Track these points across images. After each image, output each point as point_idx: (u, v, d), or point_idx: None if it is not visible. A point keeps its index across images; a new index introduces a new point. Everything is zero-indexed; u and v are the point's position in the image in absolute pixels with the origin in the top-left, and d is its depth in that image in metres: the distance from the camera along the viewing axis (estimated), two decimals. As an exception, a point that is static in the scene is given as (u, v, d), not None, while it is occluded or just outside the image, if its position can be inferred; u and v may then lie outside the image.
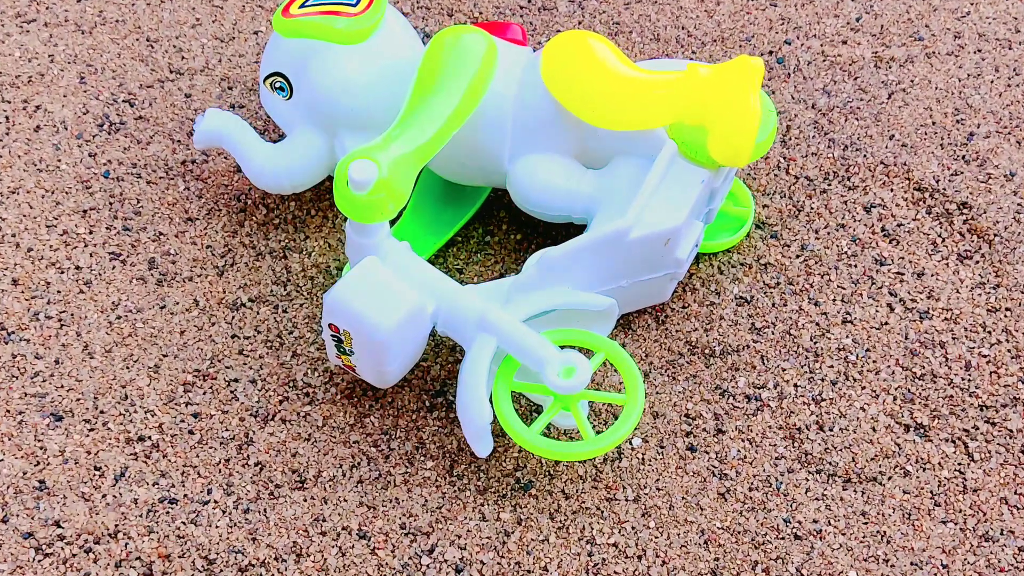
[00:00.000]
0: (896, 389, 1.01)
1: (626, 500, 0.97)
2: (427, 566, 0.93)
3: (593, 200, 1.03)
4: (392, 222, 1.05)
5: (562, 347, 0.94)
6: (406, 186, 0.93)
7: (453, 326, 0.97)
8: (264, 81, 1.08)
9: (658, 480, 0.97)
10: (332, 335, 0.95)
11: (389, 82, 1.04)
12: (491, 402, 0.94)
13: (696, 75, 0.98)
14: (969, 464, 0.97)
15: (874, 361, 1.03)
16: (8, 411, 1.01)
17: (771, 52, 1.26)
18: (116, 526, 0.95)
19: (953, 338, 1.04)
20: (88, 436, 1.00)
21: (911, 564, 0.92)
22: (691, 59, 1.26)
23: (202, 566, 0.93)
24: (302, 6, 1.05)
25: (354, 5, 1.04)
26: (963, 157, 1.16)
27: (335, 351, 0.97)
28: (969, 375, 1.02)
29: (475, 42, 1.01)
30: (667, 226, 0.98)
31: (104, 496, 0.97)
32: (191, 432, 1.00)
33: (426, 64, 1.01)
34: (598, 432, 0.98)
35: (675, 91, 0.98)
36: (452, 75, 0.98)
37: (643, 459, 0.99)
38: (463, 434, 0.99)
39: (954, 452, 0.98)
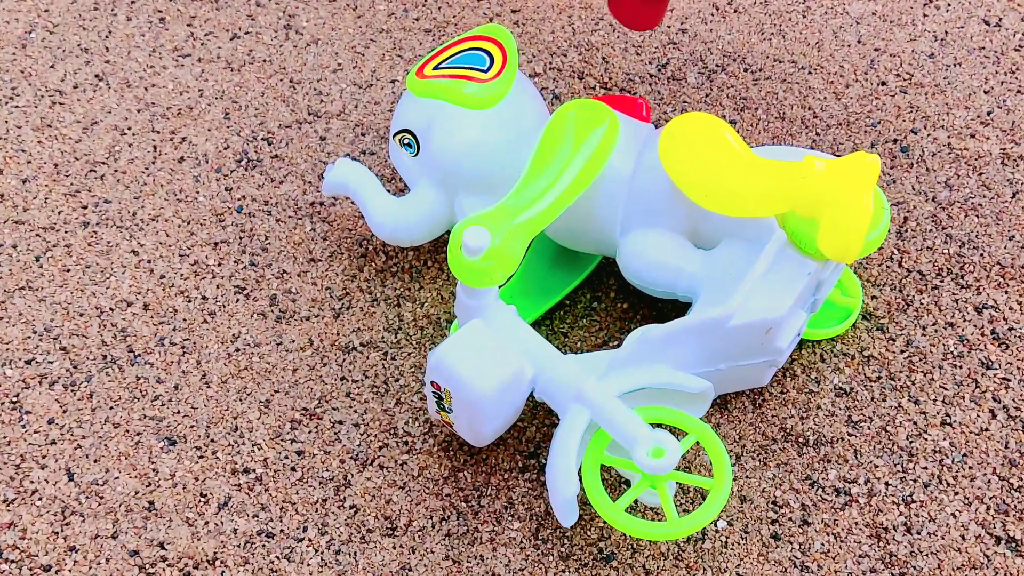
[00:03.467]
0: (991, 499, 1.00)
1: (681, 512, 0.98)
2: (504, 626, 0.96)
3: (698, 280, 1.04)
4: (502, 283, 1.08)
5: (654, 426, 0.95)
6: (517, 255, 0.96)
7: (550, 393, 0.99)
8: (394, 136, 1.12)
9: (739, 565, 0.98)
10: (433, 391, 0.99)
11: (512, 149, 1.07)
12: (579, 473, 0.96)
13: (812, 168, 0.98)
14: (1058, 584, 0.96)
15: (970, 467, 1.02)
16: (127, 431, 1.07)
17: (896, 140, 1.26)
18: (215, 553, 1.00)
19: (1055, 452, 1.03)
20: (197, 463, 1.05)
21: None
22: (814, 142, 1.26)
23: (291, 601, 0.97)
24: (436, 67, 1.10)
25: (486, 71, 1.08)
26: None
27: (435, 406, 1.00)
28: (1067, 492, 1.00)
29: (597, 118, 1.03)
30: (770, 315, 0.99)
31: (207, 523, 1.02)
32: (293, 469, 1.05)
33: (548, 135, 1.03)
34: (684, 512, 0.99)
35: (790, 182, 0.99)
36: (571, 149, 1.01)
37: (726, 543, 1.00)
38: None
39: (1044, 570, 0.96)
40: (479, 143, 1.08)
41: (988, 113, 1.28)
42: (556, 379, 0.98)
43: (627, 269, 1.07)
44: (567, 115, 1.04)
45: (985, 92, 1.29)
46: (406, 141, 1.11)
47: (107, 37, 1.41)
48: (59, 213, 1.22)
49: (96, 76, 1.36)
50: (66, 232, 1.21)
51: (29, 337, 1.13)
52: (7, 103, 1.33)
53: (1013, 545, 0.98)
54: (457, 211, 1.11)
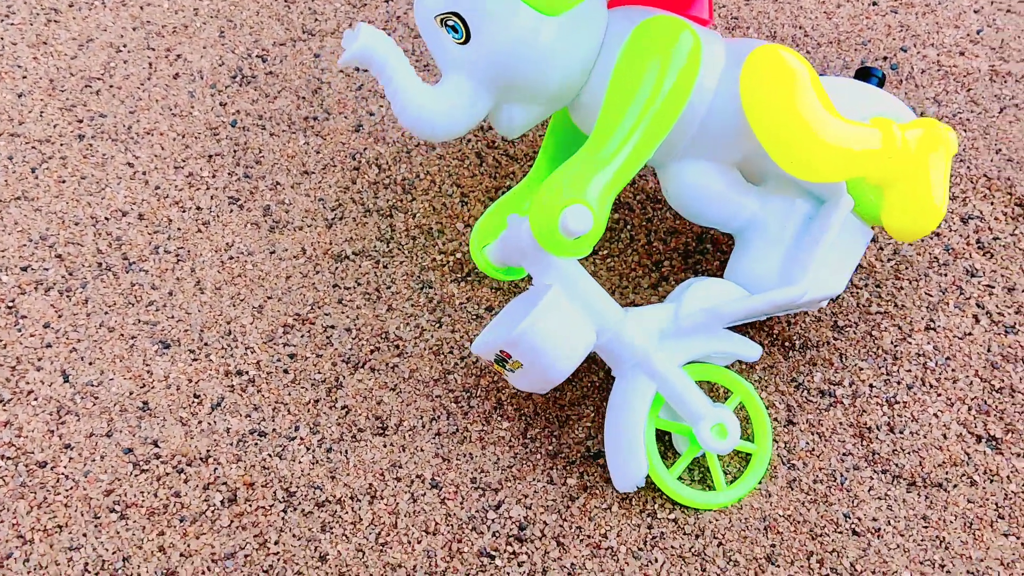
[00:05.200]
0: (972, 400, 1.02)
1: (692, 481, 0.99)
2: (492, 520, 0.97)
3: (753, 222, 1.00)
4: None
5: (698, 382, 0.99)
6: (606, 219, 0.91)
7: (610, 352, 0.97)
8: (436, 16, 0.95)
9: (727, 463, 1.00)
10: (499, 355, 0.95)
11: (572, 65, 0.96)
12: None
13: (893, 139, 0.93)
14: (1037, 480, 0.97)
15: (953, 370, 1.04)
16: (122, 335, 1.08)
17: (886, 58, 1.26)
18: (208, 451, 1.01)
19: (1037, 355, 1.04)
20: (191, 365, 1.06)
21: (967, 572, 0.93)
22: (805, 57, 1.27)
23: (282, 497, 0.99)
24: None
25: None
26: (1070, 177, 1.16)
27: (491, 358, 0.97)
28: (1048, 393, 1.02)
29: (683, 43, 0.92)
30: (835, 291, 0.98)
31: (200, 423, 1.03)
32: (286, 371, 1.06)
33: (624, 64, 0.93)
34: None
35: (870, 154, 0.92)
36: (653, 84, 0.91)
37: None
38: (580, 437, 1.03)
39: None
40: (540, 49, 0.94)
41: (978, 32, 1.28)
42: (619, 341, 0.96)
43: (680, 198, 1.01)
44: (644, 40, 0.93)
45: (975, 12, 1.30)
46: (451, 23, 0.94)
47: (102, -43, 1.41)
48: (54, 126, 1.23)
49: (91, -5, 1.37)
50: (62, 145, 1.22)
51: (25, 245, 1.14)
52: (2, 20, 1.33)
53: (993, 443, 0.99)
54: (495, 117, 1.00)
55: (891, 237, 1.08)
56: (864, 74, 1.07)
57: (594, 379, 1.05)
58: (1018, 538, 0.94)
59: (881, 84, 1.06)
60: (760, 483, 0.98)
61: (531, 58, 0.94)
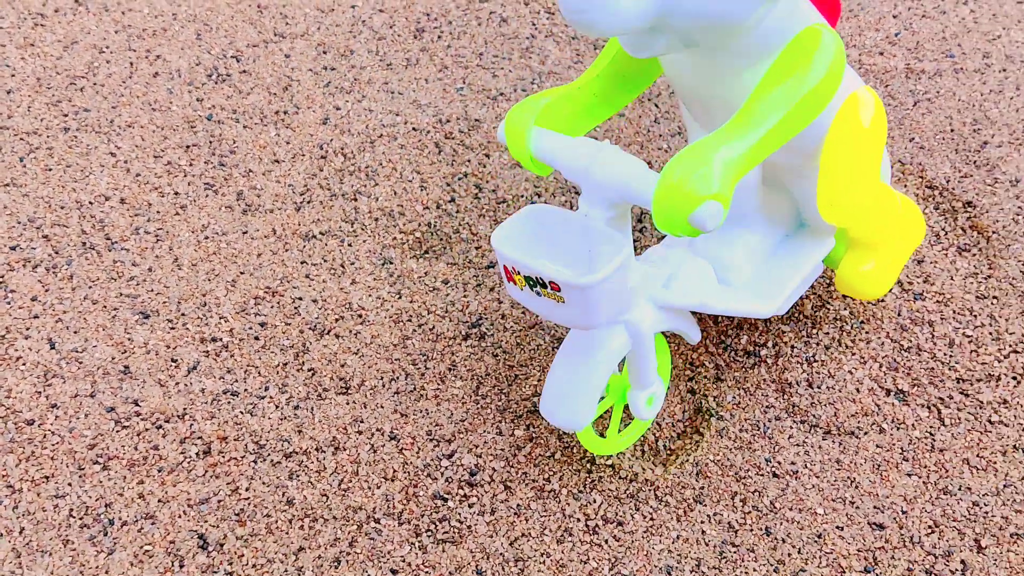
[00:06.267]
0: (883, 358, 1.12)
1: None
2: (445, 467, 1.06)
3: (744, 216, 1.06)
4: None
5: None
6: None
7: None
8: None
9: (661, 416, 1.09)
10: (537, 280, 0.93)
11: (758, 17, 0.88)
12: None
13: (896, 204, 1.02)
14: (939, 428, 1.07)
15: (867, 332, 1.14)
16: (105, 307, 1.17)
17: (812, 57, 1.38)
18: (184, 409, 1.10)
19: (942, 318, 1.14)
20: (169, 333, 1.15)
21: (874, 507, 1.02)
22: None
23: (253, 449, 1.07)
24: None
25: None
26: (974, 162, 1.27)
27: (511, 269, 0.94)
28: (951, 351, 1.12)
29: (827, 46, 0.89)
30: (780, 311, 1.07)
31: (177, 384, 1.12)
32: (256, 338, 1.15)
33: (788, 57, 0.89)
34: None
35: (885, 213, 1.00)
36: (797, 79, 0.88)
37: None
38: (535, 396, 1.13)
39: (927, 416, 1.08)
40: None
41: (896, 34, 1.40)
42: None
43: None
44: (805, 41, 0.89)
45: (894, 17, 1.41)
46: None
47: (86, -33, 1.51)
48: (41, 120, 1.32)
49: (75, 1, 1.46)
50: (48, 136, 1.31)
51: (13, 227, 1.23)
52: (-8, 25, 1.43)
53: (901, 396, 1.09)
54: (649, 40, 0.89)
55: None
56: None
57: (540, 342, 1.14)
58: (919, 478, 1.04)
59: None
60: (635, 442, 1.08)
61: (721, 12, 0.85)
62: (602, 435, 1.09)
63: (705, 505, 1.03)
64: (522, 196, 1.27)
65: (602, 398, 1.07)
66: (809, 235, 1.08)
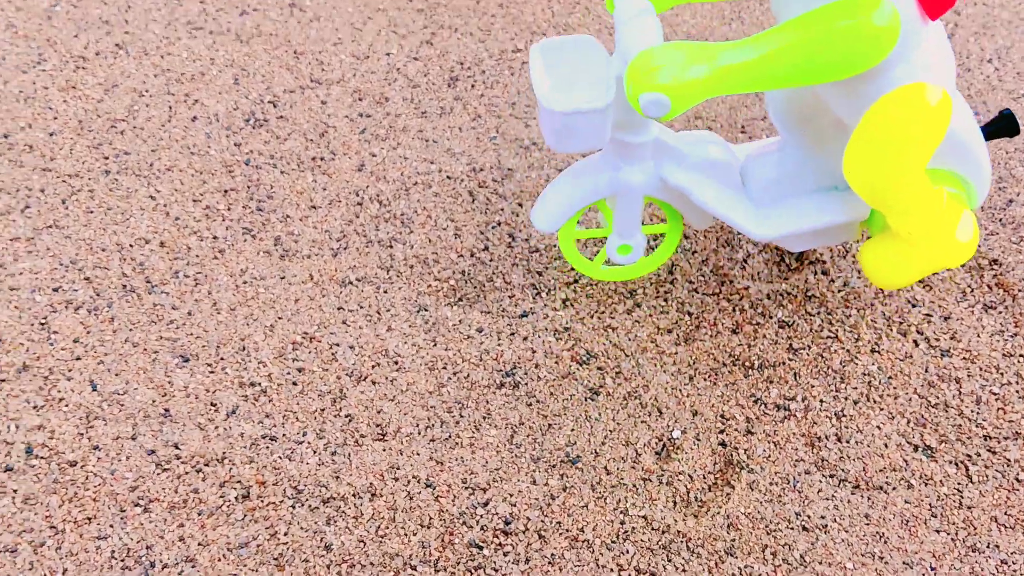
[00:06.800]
0: (911, 413, 1.14)
1: (660, 483, 1.11)
2: (481, 516, 1.08)
3: (798, 143, 1.13)
4: None
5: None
6: (690, 105, 0.94)
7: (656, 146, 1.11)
8: None
9: (692, 467, 1.11)
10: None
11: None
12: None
13: (940, 199, 1.02)
14: (967, 484, 1.09)
15: (894, 388, 1.16)
16: (145, 350, 1.19)
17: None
18: (224, 453, 1.12)
19: (968, 375, 1.16)
20: (208, 377, 1.18)
21: (903, 563, 1.04)
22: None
23: (291, 494, 1.09)
24: None
25: None
26: (1000, 220, 1.29)
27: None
28: (978, 408, 1.14)
29: (873, 5, 0.90)
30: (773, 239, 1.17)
31: (217, 428, 1.14)
32: (295, 383, 1.17)
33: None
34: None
35: (933, 217, 1.03)
36: (819, 16, 0.91)
37: (680, 447, 1.13)
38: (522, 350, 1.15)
39: (955, 473, 1.10)
40: None
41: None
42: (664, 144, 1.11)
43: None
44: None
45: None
46: None
47: (126, 11, 1.54)
48: (83, 162, 1.35)
49: (116, 45, 1.49)
50: (89, 179, 1.33)
51: (56, 268, 1.25)
52: (34, 67, 1.46)
53: (928, 452, 1.11)
54: None
55: (840, 272, 1.21)
56: (1009, 120, 1.12)
57: (574, 392, 1.17)
58: (948, 534, 1.06)
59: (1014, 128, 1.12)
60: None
61: None
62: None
63: (736, 557, 1.05)
64: (554, 245, 1.29)
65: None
66: (849, 197, 1.14)
